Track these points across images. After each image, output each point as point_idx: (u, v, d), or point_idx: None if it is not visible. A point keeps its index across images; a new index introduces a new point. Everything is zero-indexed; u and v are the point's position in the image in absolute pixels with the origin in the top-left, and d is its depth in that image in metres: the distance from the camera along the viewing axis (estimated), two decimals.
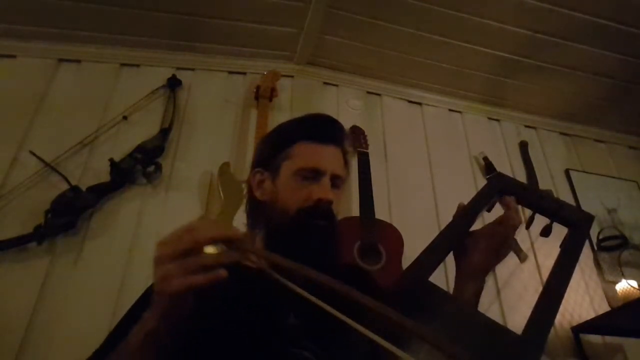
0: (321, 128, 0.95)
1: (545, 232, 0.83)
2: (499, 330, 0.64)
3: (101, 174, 1.73)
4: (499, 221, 0.81)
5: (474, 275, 0.80)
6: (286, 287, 0.56)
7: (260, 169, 0.95)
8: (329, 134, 0.94)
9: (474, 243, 0.81)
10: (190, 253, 0.56)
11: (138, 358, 0.62)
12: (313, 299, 0.54)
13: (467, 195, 0.88)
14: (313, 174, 0.88)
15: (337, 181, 0.90)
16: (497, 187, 0.85)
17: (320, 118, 0.99)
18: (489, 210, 0.85)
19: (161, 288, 0.57)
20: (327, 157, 0.90)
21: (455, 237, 0.78)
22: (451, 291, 0.82)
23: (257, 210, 0.95)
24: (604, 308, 1.98)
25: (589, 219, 0.80)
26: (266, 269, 0.59)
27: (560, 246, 0.77)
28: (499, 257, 0.81)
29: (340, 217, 0.93)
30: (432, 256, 0.72)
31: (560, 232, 0.83)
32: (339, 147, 0.94)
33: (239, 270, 0.83)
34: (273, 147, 0.96)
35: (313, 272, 0.55)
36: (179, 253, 0.56)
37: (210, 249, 0.58)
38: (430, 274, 0.70)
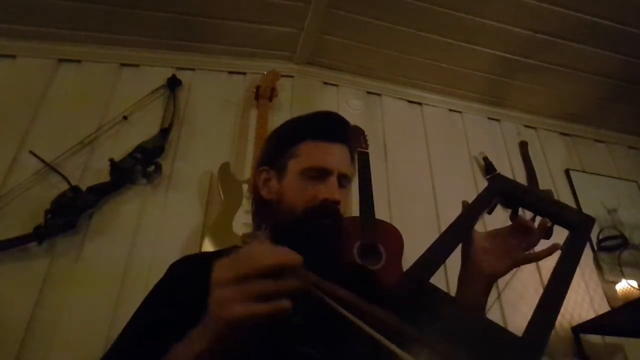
0: (328, 126, 0.94)
1: (547, 234, 0.83)
2: (499, 332, 0.64)
3: (101, 174, 1.74)
4: (510, 230, 0.81)
5: (483, 275, 0.80)
6: (334, 311, 0.54)
7: (266, 168, 0.94)
8: (336, 132, 0.93)
9: (487, 243, 0.81)
10: (250, 280, 0.53)
11: None
12: (359, 322, 0.52)
13: (467, 196, 0.88)
14: (320, 173, 0.87)
15: (344, 180, 0.90)
16: (497, 189, 0.85)
17: (327, 116, 0.98)
18: (489, 213, 0.85)
19: (219, 312, 0.54)
20: (334, 156, 0.89)
21: (455, 240, 0.78)
22: (451, 290, 0.83)
23: (263, 209, 0.94)
24: (604, 308, 1.98)
25: (590, 221, 0.80)
26: (316, 290, 0.56)
27: (561, 248, 0.77)
28: (509, 265, 0.80)
29: (347, 215, 0.93)
30: (432, 258, 0.72)
31: (560, 232, 0.83)
32: (345, 145, 0.93)
33: None
34: (279, 146, 0.95)
35: (364, 303, 0.54)
36: (239, 278, 0.53)
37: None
38: (431, 276, 0.70)
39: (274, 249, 0.57)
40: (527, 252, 0.81)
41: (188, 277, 0.79)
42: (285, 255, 0.55)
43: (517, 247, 0.81)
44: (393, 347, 0.48)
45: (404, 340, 0.49)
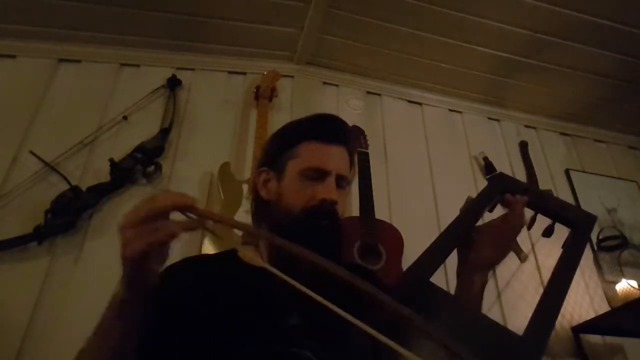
0: (327, 128, 0.95)
1: (547, 232, 0.83)
2: (500, 331, 0.64)
3: (101, 174, 1.73)
4: (503, 219, 0.81)
5: (480, 269, 0.80)
6: (287, 283, 0.56)
7: (265, 169, 0.95)
8: (335, 134, 0.93)
9: (481, 238, 0.81)
10: (151, 221, 0.59)
11: (115, 329, 0.66)
12: (311, 293, 0.54)
13: (467, 195, 0.88)
14: (318, 174, 0.87)
15: (342, 182, 0.90)
16: (498, 187, 0.85)
17: (327, 118, 0.98)
18: (490, 211, 0.85)
19: (123, 253, 0.59)
20: (332, 157, 0.90)
21: (456, 239, 0.78)
22: (451, 289, 0.83)
23: (262, 209, 0.94)
24: (604, 308, 1.98)
25: (591, 219, 0.80)
26: (266, 265, 0.61)
27: (563, 246, 0.77)
28: (503, 254, 0.81)
29: (345, 216, 0.93)
30: (433, 257, 0.72)
31: (560, 232, 0.83)
32: (344, 147, 0.94)
33: (240, 267, 0.83)
34: (279, 147, 0.95)
35: (302, 249, 0.57)
36: (140, 220, 0.59)
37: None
38: (432, 275, 0.70)
39: (172, 193, 0.63)
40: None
41: (182, 280, 0.81)
42: (180, 196, 0.62)
43: (508, 232, 0.81)
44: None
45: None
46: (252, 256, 0.75)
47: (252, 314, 0.75)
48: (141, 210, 0.59)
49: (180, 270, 0.86)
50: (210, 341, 0.71)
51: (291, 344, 0.72)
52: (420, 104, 2.45)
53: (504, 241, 0.81)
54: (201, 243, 1.62)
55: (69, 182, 1.65)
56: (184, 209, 0.61)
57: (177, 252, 1.67)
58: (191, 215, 0.61)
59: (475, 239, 0.82)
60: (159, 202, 0.60)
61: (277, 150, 0.95)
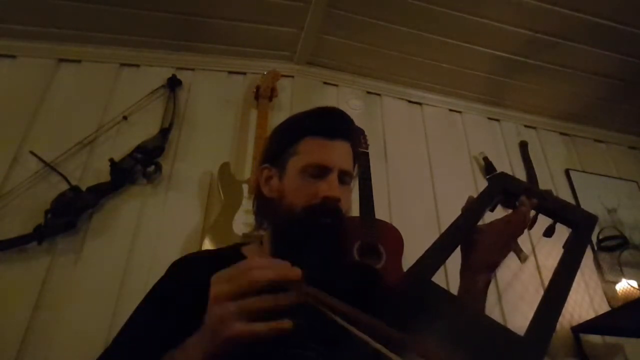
0: (329, 122, 0.93)
1: (548, 232, 0.83)
2: (501, 332, 0.64)
3: (101, 174, 1.73)
4: (507, 220, 0.81)
5: (482, 269, 0.80)
6: (335, 324, 0.53)
7: (267, 165, 0.94)
8: (337, 129, 0.92)
9: (483, 238, 0.81)
10: (249, 295, 0.53)
11: None
12: (361, 334, 0.52)
13: (467, 195, 0.87)
14: (320, 171, 0.86)
15: (345, 177, 0.89)
16: (499, 187, 0.85)
17: (328, 112, 0.97)
18: (491, 210, 0.85)
19: (218, 328, 0.53)
20: (334, 152, 0.89)
21: (457, 239, 0.78)
22: (452, 289, 0.83)
23: (265, 207, 0.93)
24: (604, 308, 1.98)
25: (592, 219, 0.80)
26: (315, 304, 0.55)
27: (563, 247, 0.77)
28: (503, 254, 0.81)
29: (349, 213, 0.92)
30: (434, 257, 0.72)
31: (561, 232, 0.83)
32: (347, 142, 0.92)
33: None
34: (280, 143, 0.94)
35: (365, 316, 0.54)
36: (238, 294, 0.53)
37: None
38: (433, 275, 0.70)
39: (274, 262, 0.56)
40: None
41: (188, 277, 0.79)
42: (285, 269, 0.55)
43: (510, 232, 0.81)
44: (394, 357, 0.48)
45: (403, 352, 0.49)
46: (258, 253, 0.74)
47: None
48: (241, 280, 0.53)
49: (184, 266, 0.85)
50: None
51: (295, 345, 0.71)
52: (420, 104, 2.45)
53: (505, 241, 0.81)
54: (201, 243, 1.63)
55: (69, 182, 1.65)
56: (287, 283, 0.54)
57: (177, 250, 1.68)
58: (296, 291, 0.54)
59: (477, 239, 0.81)
60: (259, 275, 0.53)
61: (278, 147, 0.94)
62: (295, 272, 0.54)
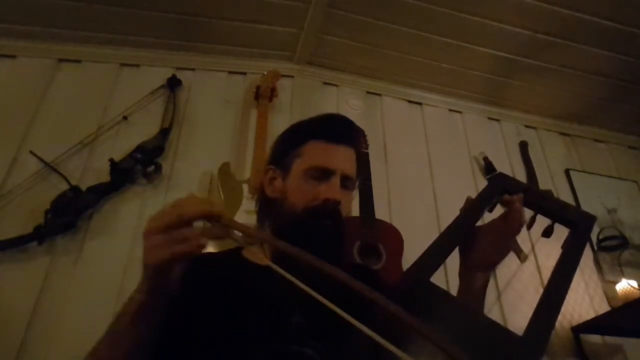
0: (333, 127, 0.95)
1: (547, 232, 0.83)
2: (500, 331, 0.64)
3: (101, 174, 1.73)
4: (503, 218, 0.81)
5: (480, 269, 0.80)
6: (290, 282, 0.56)
7: (272, 167, 0.96)
8: (341, 134, 0.93)
9: (481, 238, 0.81)
10: (177, 228, 0.58)
11: (130, 334, 0.64)
12: (315, 294, 0.54)
13: (466, 195, 0.87)
14: (322, 174, 0.87)
15: (347, 182, 0.90)
16: (498, 187, 0.85)
17: (334, 117, 0.99)
18: (490, 211, 0.85)
19: (147, 259, 0.60)
20: (337, 156, 0.90)
21: (456, 239, 0.78)
22: (452, 289, 0.83)
23: (267, 207, 0.95)
24: (604, 308, 1.98)
25: (591, 219, 0.80)
26: (271, 264, 0.60)
27: (562, 247, 0.77)
28: (502, 254, 0.82)
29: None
30: (433, 257, 0.72)
31: (561, 232, 0.83)
32: (351, 148, 0.94)
33: (244, 265, 0.83)
34: (285, 145, 0.96)
35: (311, 257, 0.57)
36: (165, 227, 0.58)
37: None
38: (432, 275, 0.70)
39: (199, 199, 0.62)
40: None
41: (187, 280, 0.80)
42: (207, 204, 0.61)
43: (508, 231, 0.81)
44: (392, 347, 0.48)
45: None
46: (257, 255, 0.75)
47: (255, 312, 0.75)
48: (167, 216, 0.59)
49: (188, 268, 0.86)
50: (212, 338, 0.72)
51: (294, 342, 0.72)
52: (420, 104, 2.45)
53: (503, 241, 0.81)
54: None
55: (69, 182, 1.65)
56: (211, 217, 0.61)
57: None
58: (218, 224, 0.61)
59: (476, 239, 0.82)
60: (186, 209, 0.59)
61: (283, 149, 0.96)
62: (218, 207, 0.61)
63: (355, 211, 1.81)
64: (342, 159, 0.91)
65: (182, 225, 0.59)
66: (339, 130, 0.94)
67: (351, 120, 0.99)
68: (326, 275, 0.54)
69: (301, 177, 0.88)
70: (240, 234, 0.62)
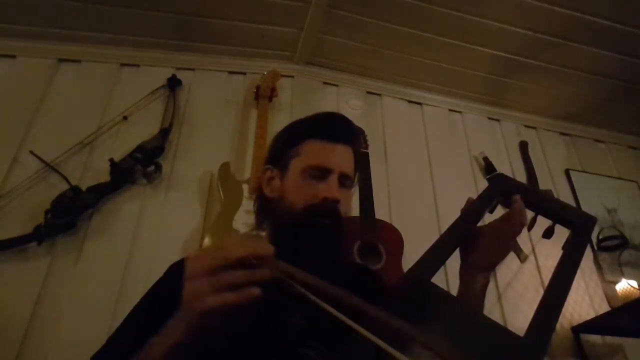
0: (331, 126, 0.94)
1: (547, 233, 0.83)
2: (500, 332, 0.64)
3: (101, 174, 1.73)
4: (505, 218, 0.81)
5: (481, 270, 0.80)
6: (305, 298, 0.55)
7: (270, 166, 0.95)
8: (339, 133, 0.93)
9: (482, 238, 0.81)
10: (222, 271, 0.54)
11: None
12: (315, 298, 0.54)
13: (466, 196, 0.87)
14: (320, 173, 0.87)
15: (345, 180, 0.90)
16: (498, 188, 0.85)
17: (331, 116, 0.98)
18: (491, 212, 0.85)
19: (192, 304, 0.55)
20: (335, 155, 0.90)
21: (456, 240, 0.78)
22: (452, 290, 0.83)
23: (265, 207, 0.94)
24: (604, 308, 1.98)
25: (592, 220, 0.80)
26: (286, 279, 0.57)
27: (563, 248, 0.77)
28: (502, 254, 0.81)
29: (348, 215, 0.92)
30: (433, 258, 0.72)
31: (561, 233, 0.83)
32: (349, 146, 0.93)
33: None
34: (283, 145, 0.95)
35: (336, 290, 0.54)
36: (211, 270, 0.54)
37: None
38: (432, 276, 0.70)
39: (246, 240, 0.58)
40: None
41: (181, 286, 0.80)
42: (256, 245, 0.56)
43: (508, 232, 0.81)
44: (374, 338, 0.48)
45: (389, 333, 0.50)
46: None
47: (254, 314, 0.75)
48: (212, 258, 0.55)
49: (180, 271, 0.85)
50: (212, 341, 0.71)
51: (295, 344, 0.72)
52: (420, 104, 2.45)
53: (503, 242, 0.81)
54: (201, 243, 1.63)
55: (69, 182, 1.65)
56: (258, 258, 0.56)
57: (177, 251, 1.68)
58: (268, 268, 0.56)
59: (476, 240, 0.82)
60: (231, 251, 0.55)
61: (281, 148, 0.95)
62: (268, 248, 0.56)
63: (355, 211, 1.81)
64: (339, 157, 0.90)
65: (227, 268, 0.55)
66: (336, 129, 0.94)
67: (348, 119, 0.98)
68: (339, 301, 0.53)
69: (299, 177, 0.88)
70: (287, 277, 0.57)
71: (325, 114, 0.99)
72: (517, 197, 0.81)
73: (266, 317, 0.75)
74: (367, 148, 2.03)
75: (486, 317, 0.67)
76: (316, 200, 0.84)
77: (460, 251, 0.83)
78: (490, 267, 0.83)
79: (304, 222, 0.84)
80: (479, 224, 0.83)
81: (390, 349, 0.47)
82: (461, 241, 0.80)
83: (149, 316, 0.75)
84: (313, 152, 0.89)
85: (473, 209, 0.82)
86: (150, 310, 0.77)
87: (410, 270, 0.71)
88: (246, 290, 0.54)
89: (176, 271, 0.85)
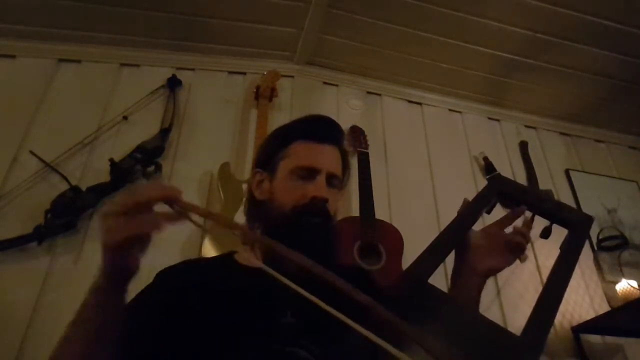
0: (317, 127, 0.95)
1: (545, 233, 0.83)
2: (498, 332, 0.64)
3: (101, 174, 1.73)
4: (499, 224, 0.81)
5: (481, 276, 0.80)
6: (281, 283, 0.56)
7: (259, 169, 0.96)
8: (326, 133, 0.94)
9: (480, 244, 0.81)
10: (134, 212, 0.58)
11: (93, 321, 0.64)
12: (306, 294, 0.54)
13: (466, 196, 0.88)
14: (308, 173, 0.88)
15: (333, 180, 0.90)
16: (496, 189, 0.85)
17: (317, 118, 0.99)
18: (488, 212, 0.85)
19: (104, 242, 0.59)
20: (323, 155, 0.91)
21: (454, 240, 0.78)
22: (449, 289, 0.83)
23: (255, 209, 0.95)
24: (604, 308, 1.98)
25: (589, 220, 0.80)
26: (262, 265, 0.60)
27: (560, 247, 0.77)
28: (506, 261, 0.81)
29: (339, 217, 0.93)
30: (431, 258, 0.72)
31: (560, 233, 0.83)
32: (336, 147, 0.94)
33: (236, 268, 0.83)
34: (271, 147, 0.96)
35: (300, 256, 0.56)
36: (124, 211, 0.58)
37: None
38: (430, 276, 0.70)
39: (157, 184, 0.62)
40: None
41: (177, 285, 0.81)
42: (164, 188, 0.61)
43: (510, 241, 0.81)
44: (360, 328, 0.49)
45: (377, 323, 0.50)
46: (248, 257, 0.75)
47: (247, 314, 0.75)
48: (125, 200, 0.59)
49: (177, 274, 0.86)
50: (206, 342, 0.72)
51: (286, 343, 0.72)
52: (420, 104, 2.45)
53: (502, 246, 0.81)
54: (201, 243, 1.63)
55: (69, 182, 1.66)
56: (168, 200, 0.61)
57: (177, 252, 1.68)
58: (176, 207, 0.61)
59: (473, 244, 0.82)
60: (143, 194, 0.59)
61: (269, 151, 0.96)
62: (176, 191, 0.61)
63: (355, 211, 1.81)
64: (327, 157, 0.91)
65: (139, 209, 0.59)
66: (322, 130, 0.95)
67: (334, 120, 0.99)
68: (313, 274, 0.54)
69: (288, 178, 0.89)
70: (198, 217, 0.63)
71: (311, 116, 1.00)
72: (524, 227, 0.81)
73: (257, 316, 0.75)
74: (367, 148, 2.03)
75: (483, 316, 0.67)
76: (305, 200, 0.85)
77: (455, 254, 0.83)
78: (490, 273, 0.83)
79: (293, 222, 0.85)
80: (477, 223, 0.83)
81: (377, 339, 0.47)
82: (458, 242, 0.80)
83: (135, 320, 0.75)
84: (300, 153, 0.90)
85: (470, 209, 0.82)
86: (136, 315, 0.78)
87: (407, 270, 0.72)
88: (150, 222, 0.58)
89: (165, 277, 0.86)
